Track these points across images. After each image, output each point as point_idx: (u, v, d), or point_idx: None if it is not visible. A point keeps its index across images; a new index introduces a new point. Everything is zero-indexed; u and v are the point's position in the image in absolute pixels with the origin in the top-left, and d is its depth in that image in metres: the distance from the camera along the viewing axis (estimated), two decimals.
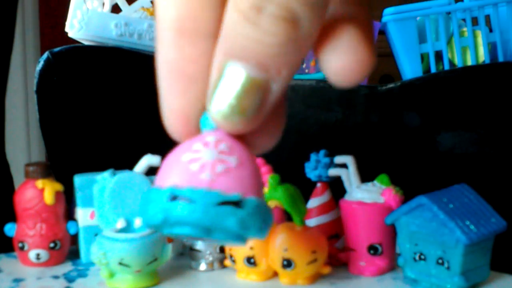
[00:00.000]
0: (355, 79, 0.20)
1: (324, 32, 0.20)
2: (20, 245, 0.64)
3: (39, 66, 0.82)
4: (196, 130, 0.21)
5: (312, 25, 0.18)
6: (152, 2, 0.91)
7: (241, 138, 0.21)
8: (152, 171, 0.61)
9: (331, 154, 0.64)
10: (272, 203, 0.61)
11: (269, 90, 0.18)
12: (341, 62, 0.19)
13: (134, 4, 0.91)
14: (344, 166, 0.62)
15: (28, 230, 0.64)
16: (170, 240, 0.59)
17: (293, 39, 0.18)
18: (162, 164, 0.22)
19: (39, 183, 0.63)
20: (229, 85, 0.18)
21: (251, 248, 0.58)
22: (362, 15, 0.20)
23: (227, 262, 0.60)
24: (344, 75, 0.20)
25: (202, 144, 0.22)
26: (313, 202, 0.65)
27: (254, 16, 0.17)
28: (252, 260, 0.58)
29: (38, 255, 0.64)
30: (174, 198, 0.21)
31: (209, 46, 0.20)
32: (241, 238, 0.21)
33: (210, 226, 0.20)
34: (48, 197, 0.63)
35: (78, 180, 0.64)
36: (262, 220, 0.21)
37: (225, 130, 0.21)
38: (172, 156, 0.22)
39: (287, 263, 0.56)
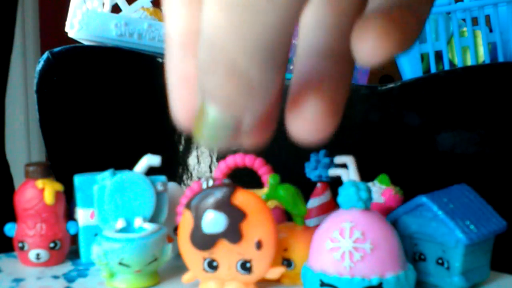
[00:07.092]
0: (312, 143, 0.22)
1: (296, 88, 0.21)
2: (20, 245, 0.64)
3: (39, 66, 0.82)
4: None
5: (261, 83, 0.18)
6: (152, 2, 0.91)
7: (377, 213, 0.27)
8: (152, 171, 0.61)
9: (331, 154, 0.64)
10: (272, 203, 0.61)
11: (240, 122, 0.19)
12: (301, 128, 0.22)
13: (134, 4, 0.91)
14: (344, 166, 0.62)
15: (28, 230, 0.64)
16: (170, 240, 0.59)
17: (245, 92, 0.18)
18: (311, 244, 0.33)
19: (39, 183, 0.63)
20: (206, 118, 0.20)
21: None
22: (336, 77, 0.22)
23: None
24: (302, 139, 0.22)
25: (339, 233, 0.30)
26: (313, 202, 0.65)
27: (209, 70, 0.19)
28: None
29: (38, 255, 0.64)
30: (323, 284, 0.28)
31: None
32: None
33: None
34: (48, 197, 0.63)
35: (78, 180, 0.64)
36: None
37: (358, 211, 0.26)
38: (318, 240, 0.32)
39: (287, 263, 0.56)
